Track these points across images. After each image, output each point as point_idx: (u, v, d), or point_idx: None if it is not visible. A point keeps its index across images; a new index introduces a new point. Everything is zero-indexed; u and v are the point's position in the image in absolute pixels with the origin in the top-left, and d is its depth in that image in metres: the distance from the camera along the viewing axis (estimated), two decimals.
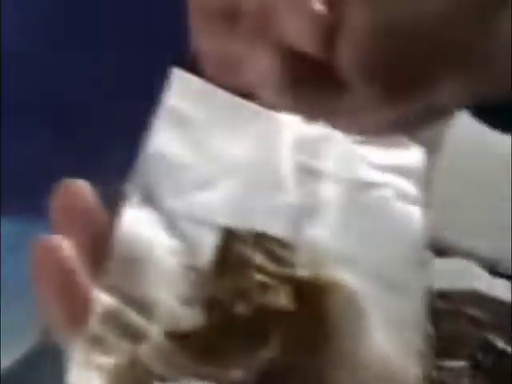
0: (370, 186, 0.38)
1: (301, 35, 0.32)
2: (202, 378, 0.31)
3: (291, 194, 0.37)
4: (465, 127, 0.69)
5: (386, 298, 0.35)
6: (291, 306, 0.33)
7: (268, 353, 0.32)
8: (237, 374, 0.31)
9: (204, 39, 0.35)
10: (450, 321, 0.63)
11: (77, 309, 0.31)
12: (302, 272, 0.34)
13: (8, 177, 0.60)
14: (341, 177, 0.38)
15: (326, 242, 0.35)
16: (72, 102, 0.60)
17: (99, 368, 0.30)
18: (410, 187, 0.39)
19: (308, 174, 0.38)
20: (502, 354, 0.64)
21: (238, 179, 0.37)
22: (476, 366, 0.64)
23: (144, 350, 0.31)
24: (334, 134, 0.39)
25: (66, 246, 0.32)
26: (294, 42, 0.33)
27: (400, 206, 0.38)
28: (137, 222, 0.34)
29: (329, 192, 0.37)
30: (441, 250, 0.69)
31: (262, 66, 0.34)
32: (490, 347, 0.63)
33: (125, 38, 0.57)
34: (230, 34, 0.34)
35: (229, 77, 0.36)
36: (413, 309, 0.34)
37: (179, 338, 0.32)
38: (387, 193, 0.38)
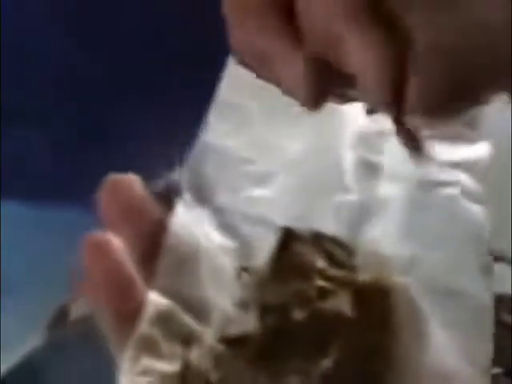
0: (434, 184, 0.36)
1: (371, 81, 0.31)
2: None
3: (351, 192, 0.35)
4: None
5: (450, 303, 0.33)
6: (352, 312, 0.32)
7: (327, 361, 0.30)
8: (294, 381, 0.30)
9: (238, 31, 0.34)
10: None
11: (128, 310, 0.30)
12: (363, 276, 0.33)
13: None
14: (403, 174, 0.36)
15: (387, 244, 0.34)
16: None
17: (150, 373, 0.29)
18: (475, 185, 0.37)
19: (369, 170, 0.36)
20: None
21: (297, 175, 0.35)
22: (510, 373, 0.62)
23: (196, 355, 0.30)
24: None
25: (117, 244, 0.31)
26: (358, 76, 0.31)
27: (466, 205, 0.36)
28: (189, 219, 0.33)
29: (390, 190, 0.36)
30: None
31: (294, 71, 0.32)
32: None
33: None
34: (266, 30, 0.33)
35: (263, 72, 0.34)
36: (479, 317, 0.33)
37: (234, 343, 0.31)
38: (453, 191, 0.36)
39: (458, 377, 0.31)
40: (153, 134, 0.61)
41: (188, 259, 0.32)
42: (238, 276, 0.32)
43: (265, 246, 0.33)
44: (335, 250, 0.33)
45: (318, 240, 0.33)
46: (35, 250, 0.61)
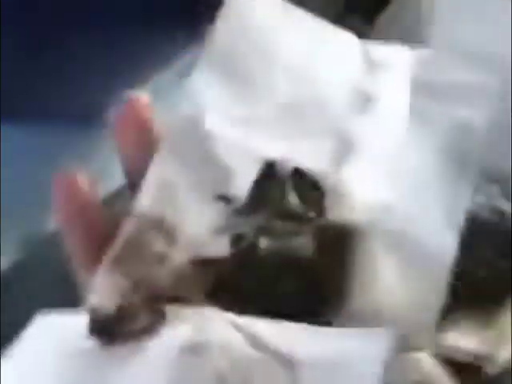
0: (426, 123, 0.38)
1: None
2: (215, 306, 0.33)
3: (339, 126, 0.37)
4: None
5: (410, 253, 0.35)
6: (312, 251, 0.34)
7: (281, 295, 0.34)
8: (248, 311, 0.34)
9: None
10: None
11: (98, 242, 0.34)
12: (330, 216, 0.35)
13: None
14: (397, 109, 0.38)
15: (360, 186, 0.36)
16: None
17: (115, 289, 0.33)
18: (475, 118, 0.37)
19: (365, 101, 0.38)
20: None
21: (287, 103, 0.37)
22: None
23: (163, 272, 0.34)
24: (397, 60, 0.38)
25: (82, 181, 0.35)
26: None
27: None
28: (177, 146, 0.36)
29: (377, 129, 0.37)
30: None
31: None
32: None
33: None
34: None
35: None
36: (435, 272, 0.35)
37: (202, 264, 0.34)
38: (447, 131, 0.37)
39: (402, 319, 0.34)
40: None
41: (168, 184, 0.35)
42: (216, 202, 0.35)
43: (246, 177, 0.36)
44: (309, 188, 0.36)
45: (296, 177, 0.36)
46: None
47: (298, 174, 0.36)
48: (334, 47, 0.39)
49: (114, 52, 0.64)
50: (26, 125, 0.64)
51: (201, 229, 0.34)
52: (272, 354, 0.31)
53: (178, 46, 0.66)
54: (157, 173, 0.35)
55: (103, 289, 0.32)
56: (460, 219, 0.35)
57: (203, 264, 0.34)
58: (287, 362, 0.30)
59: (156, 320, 0.32)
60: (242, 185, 0.35)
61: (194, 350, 0.31)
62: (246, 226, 0.35)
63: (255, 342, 0.31)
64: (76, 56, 0.64)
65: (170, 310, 0.32)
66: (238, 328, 0.31)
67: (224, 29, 0.37)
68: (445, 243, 0.35)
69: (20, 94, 0.64)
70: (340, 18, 0.68)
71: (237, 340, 0.31)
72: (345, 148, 0.37)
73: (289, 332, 0.31)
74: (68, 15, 0.64)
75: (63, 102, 0.64)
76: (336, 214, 0.35)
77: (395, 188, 0.36)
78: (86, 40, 0.62)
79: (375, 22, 0.66)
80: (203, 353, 0.31)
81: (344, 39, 0.39)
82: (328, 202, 0.35)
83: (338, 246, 0.35)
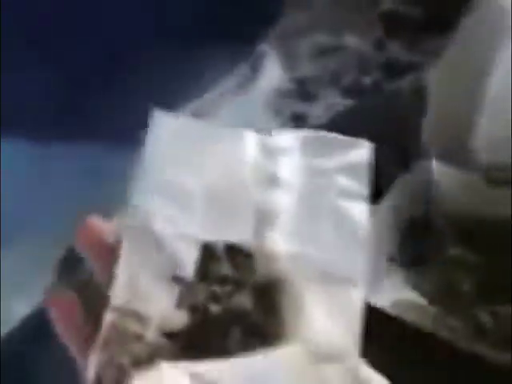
0: (319, 189, 0.48)
1: None
2: None
3: (255, 202, 0.47)
4: None
5: (332, 289, 0.45)
6: (251, 305, 0.45)
7: (233, 343, 0.44)
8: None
9: None
10: None
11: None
12: (260, 274, 0.45)
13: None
14: (295, 184, 0.48)
15: (282, 245, 0.46)
16: None
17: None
18: (354, 185, 0.48)
19: (269, 183, 0.48)
20: None
21: (211, 195, 0.47)
22: None
23: (141, 347, 0.44)
24: (291, 145, 0.49)
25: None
26: None
27: (346, 204, 0.48)
28: (134, 246, 0.46)
29: (285, 199, 0.48)
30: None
31: None
32: None
33: None
34: None
35: None
36: (355, 300, 0.45)
37: (171, 336, 0.44)
38: (333, 194, 0.48)
39: (335, 344, 0.44)
40: None
41: (133, 277, 0.45)
42: (171, 283, 0.45)
43: (190, 258, 0.46)
44: (241, 257, 0.46)
45: (229, 250, 0.46)
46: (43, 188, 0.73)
47: (230, 248, 0.46)
48: (230, 145, 0.49)
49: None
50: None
51: (163, 306, 0.45)
52: None
53: (218, 70, 0.75)
54: (122, 271, 0.45)
55: (96, 366, 0.43)
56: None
57: (171, 334, 0.44)
58: None
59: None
60: (188, 265, 0.46)
61: None
62: (198, 297, 0.45)
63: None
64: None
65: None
66: (192, 376, 0.42)
67: (154, 144, 0.48)
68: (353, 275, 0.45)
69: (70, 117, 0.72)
70: (380, 44, 0.78)
71: None
72: (263, 217, 0.47)
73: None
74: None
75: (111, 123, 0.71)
76: (265, 270, 0.45)
77: (308, 239, 0.46)
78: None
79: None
80: None
81: (240, 135, 0.49)
82: (257, 262, 0.46)
83: (271, 296, 0.45)
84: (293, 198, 0.48)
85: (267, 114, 0.74)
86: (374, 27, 0.78)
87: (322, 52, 0.78)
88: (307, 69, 0.78)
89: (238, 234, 0.46)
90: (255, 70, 0.76)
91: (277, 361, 0.42)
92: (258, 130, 0.49)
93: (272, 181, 0.48)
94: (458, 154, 0.66)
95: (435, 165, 0.66)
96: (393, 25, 0.77)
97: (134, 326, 0.44)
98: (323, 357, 0.43)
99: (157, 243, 0.46)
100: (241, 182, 0.48)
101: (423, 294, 0.64)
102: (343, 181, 0.48)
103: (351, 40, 0.78)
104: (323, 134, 0.49)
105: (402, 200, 0.66)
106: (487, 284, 0.64)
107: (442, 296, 0.63)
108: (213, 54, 0.73)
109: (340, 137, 0.49)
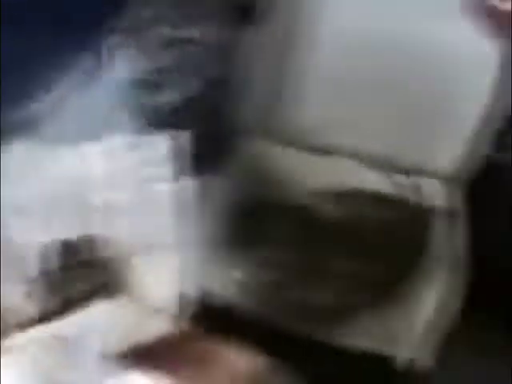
0: (138, 181, 0.60)
1: None
2: None
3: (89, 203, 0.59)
4: None
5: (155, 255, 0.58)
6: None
7: None
8: None
9: None
10: None
11: None
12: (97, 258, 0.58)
13: None
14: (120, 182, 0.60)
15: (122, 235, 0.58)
16: None
17: None
18: (161, 172, 0.60)
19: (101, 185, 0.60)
20: None
21: (52, 204, 0.59)
22: None
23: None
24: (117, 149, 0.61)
25: None
26: None
27: (157, 188, 0.59)
28: None
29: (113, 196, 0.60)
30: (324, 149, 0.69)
31: None
32: None
33: None
34: None
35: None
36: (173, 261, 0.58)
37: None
38: (147, 182, 0.60)
39: None
40: None
41: None
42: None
43: (34, 258, 0.57)
44: (74, 251, 0.58)
45: (64, 248, 0.58)
46: None
47: (65, 245, 0.58)
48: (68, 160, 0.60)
49: None
50: None
51: (19, 302, 0.56)
52: None
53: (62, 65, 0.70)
54: None
55: None
56: None
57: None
58: None
59: None
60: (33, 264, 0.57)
61: None
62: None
63: None
64: None
65: None
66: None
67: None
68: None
69: None
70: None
71: None
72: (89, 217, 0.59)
73: None
74: None
75: None
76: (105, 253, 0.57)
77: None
78: None
79: None
80: None
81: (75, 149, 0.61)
82: (91, 251, 0.57)
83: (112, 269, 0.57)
84: (119, 194, 0.59)
85: (118, 107, 0.70)
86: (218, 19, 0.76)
87: (170, 43, 0.77)
88: (157, 60, 0.76)
89: (78, 230, 0.58)
90: (103, 62, 0.73)
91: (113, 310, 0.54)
92: (94, 138, 0.60)
93: (101, 182, 0.59)
94: (281, 132, 0.70)
95: (259, 144, 0.70)
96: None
97: None
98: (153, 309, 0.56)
99: (7, 250, 0.57)
100: (77, 190, 0.59)
101: (250, 274, 0.66)
102: (153, 170, 0.60)
103: (197, 32, 0.77)
104: (137, 136, 0.61)
105: (230, 182, 0.69)
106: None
107: (268, 277, 0.66)
108: (56, 48, 0.70)
109: (146, 137, 0.60)
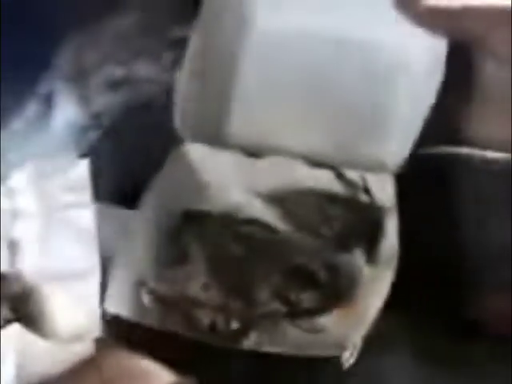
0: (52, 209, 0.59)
1: None
2: None
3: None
4: None
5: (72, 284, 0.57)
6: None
7: None
8: None
9: None
10: None
11: None
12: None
13: None
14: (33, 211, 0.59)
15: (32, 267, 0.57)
16: None
17: None
18: (78, 197, 0.59)
19: (14, 216, 0.59)
20: None
21: None
22: None
23: None
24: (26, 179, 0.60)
25: None
26: None
27: (73, 214, 0.59)
28: None
29: (28, 226, 0.59)
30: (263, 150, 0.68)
31: None
32: None
33: None
34: None
35: None
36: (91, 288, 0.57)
37: None
38: (63, 209, 0.59)
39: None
40: None
41: None
42: None
43: None
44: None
45: None
46: None
47: None
48: None
49: None
50: None
51: None
52: None
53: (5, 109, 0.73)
54: None
55: None
56: None
57: None
58: None
59: None
60: None
61: None
62: None
63: None
64: None
65: None
66: None
67: None
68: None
69: None
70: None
71: None
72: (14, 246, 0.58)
73: None
74: None
75: None
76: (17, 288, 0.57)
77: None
78: None
79: None
80: None
81: None
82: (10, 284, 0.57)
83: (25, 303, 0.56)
84: (34, 223, 0.58)
85: (62, 151, 0.72)
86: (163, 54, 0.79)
87: (115, 84, 0.80)
88: (101, 102, 0.80)
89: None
90: (48, 108, 0.76)
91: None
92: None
93: (15, 214, 0.59)
94: (213, 137, 0.70)
95: (195, 148, 0.70)
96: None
97: None
98: (70, 337, 0.54)
99: None
100: None
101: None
102: (69, 196, 0.59)
103: (141, 69, 0.81)
104: (49, 160, 0.60)
105: (162, 196, 0.68)
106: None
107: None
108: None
109: (61, 160, 0.59)
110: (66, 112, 0.77)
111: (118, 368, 0.55)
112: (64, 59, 0.79)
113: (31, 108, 0.75)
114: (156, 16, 0.80)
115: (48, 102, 0.76)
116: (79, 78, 0.79)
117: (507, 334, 0.61)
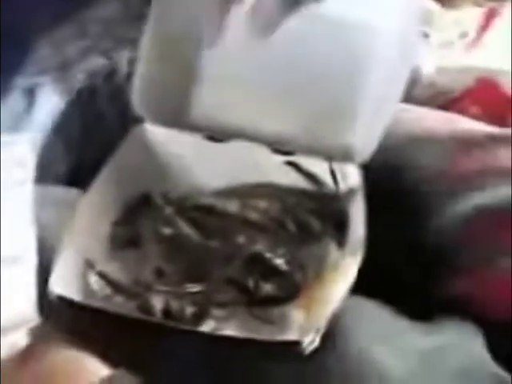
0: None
1: None
2: None
3: None
4: None
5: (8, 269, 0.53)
6: None
7: None
8: None
9: None
10: None
11: None
12: None
13: None
14: None
15: None
16: None
17: None
18: (20, 174, 0.55)
19: None
20: None
21: None
22: None
23: None
24: None
25: None
26: None
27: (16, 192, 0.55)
28: None
29: None
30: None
31: None
32: None
33: None
34: None
35: None
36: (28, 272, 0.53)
37: None
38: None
39: None
40: None
41: None
42: None
43: None
44: None
45: None
46: None
47: None
48: None
49: None
50: None
51: None
52: None
53: None
54: None
55: None
56: None
57: None
58: None
59: None
60: None
61: None
62: None
63: None
64: None
65: None
66: None
67: None
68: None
69: None
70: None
71: None
72: None
73: None
74: None
75: None
76: None
77: None
78: None
79: None
80: None
81: None
82: None
83: None
84: None
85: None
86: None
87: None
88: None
89: None
90: (30, 103, 0.75)
91: None
92: None
93: None
94: (174, 120, 0.68)
95: (154, 130, 0.68)
96: None
97: None
98: (9, 326, 0.50)
99: None
100: None
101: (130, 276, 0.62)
102: (13, 172, 0.55)
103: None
104: None
105: (118, 176, 0.66)
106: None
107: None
108: None
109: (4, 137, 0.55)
110: (49, 106, 0.76)
111: (53, 363, 0.50)
112: (46, 52, 0.77)
113: (14, 104, 0.74)
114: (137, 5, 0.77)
115: (31, 97, 0.75)
116: (63, 71, 0.78)
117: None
